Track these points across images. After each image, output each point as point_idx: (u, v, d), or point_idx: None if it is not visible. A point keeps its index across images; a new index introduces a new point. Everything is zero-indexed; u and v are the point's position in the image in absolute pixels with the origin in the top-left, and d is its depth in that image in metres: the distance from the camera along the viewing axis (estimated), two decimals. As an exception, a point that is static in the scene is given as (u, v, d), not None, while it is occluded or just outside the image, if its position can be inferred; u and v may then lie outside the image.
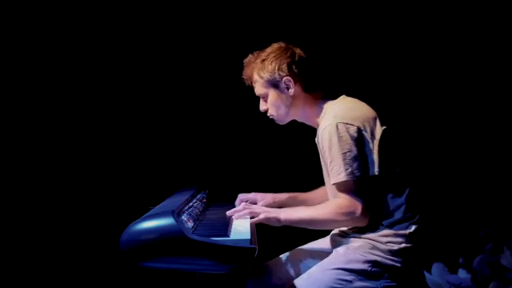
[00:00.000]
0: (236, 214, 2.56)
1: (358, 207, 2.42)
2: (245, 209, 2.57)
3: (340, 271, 2.45)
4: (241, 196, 2.91)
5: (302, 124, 2.72)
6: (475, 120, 3.92)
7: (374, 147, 2.47)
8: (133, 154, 3.92)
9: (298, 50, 2.66)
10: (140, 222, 2.15)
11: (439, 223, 3.73)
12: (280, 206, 2.81)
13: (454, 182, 3.91)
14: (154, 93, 3.94)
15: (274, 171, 3.88)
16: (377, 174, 2.45)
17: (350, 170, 2.43)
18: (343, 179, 2.43)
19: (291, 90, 2.61)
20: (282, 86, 2.61)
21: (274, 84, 2.62)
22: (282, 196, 2.87)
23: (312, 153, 2.67)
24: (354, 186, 2.43)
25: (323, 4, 3.90)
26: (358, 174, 2.43)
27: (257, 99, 2.71)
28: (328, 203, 2.56)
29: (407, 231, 2.48)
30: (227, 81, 3.90)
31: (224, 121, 3.95)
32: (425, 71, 3.93)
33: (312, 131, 2.65)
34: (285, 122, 2.71)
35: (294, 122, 2.73)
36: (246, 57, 2.71)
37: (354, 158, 2.43)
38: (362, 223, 2.47)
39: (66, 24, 3.85)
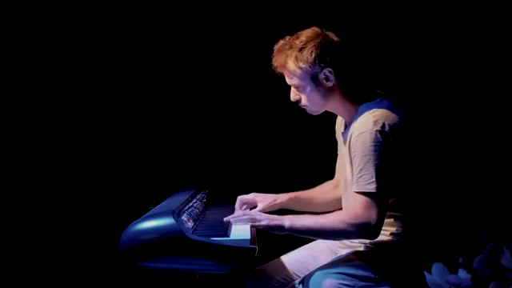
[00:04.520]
0: (235, 219, 2.42)
1: (373, 221, 2.28)
2: (244, 215, 2.41)
3: (342, 275, 2.40)
4: (240, 198, 2.75)
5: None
6: (475, 120, 3.92)
7: (409, 161, 2.37)
8: (133, 154, 3.92)
9: (334, 37, 2.43)
10: (140, 221, 2.15)
11: (439, 223, 3.72)
12: (282, 207, 2.71)
13: (453, 182, 3.91)
14: (154, 93, 3.94)
15: (275, 170, 3.88)
16: (404, 188, 2.37)
17: (381, 183, 2.28)
18: (372, 191, 2.30)
19: (330, 82, 2.42)
20: (322, 77, 2.40)
21: (313, 75, 2.41)
22: (284, 197, 2.72)
23: (313, 152, 2.65)
24: (379, 200, 2.30)
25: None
26: (388, 188, 2.30)
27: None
28: (340, 212, 2.43)
29: (415, 242, 2.43)
30: (227, 80, 3.91)
31: (224, 121, 3.95)
32: (427, 72, 3.93)
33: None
34: (318, 113, 2.52)
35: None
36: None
37: (389, 172, 2.30)
38: (371, 237, 2.35)
39: (66, 24, 3.85)
